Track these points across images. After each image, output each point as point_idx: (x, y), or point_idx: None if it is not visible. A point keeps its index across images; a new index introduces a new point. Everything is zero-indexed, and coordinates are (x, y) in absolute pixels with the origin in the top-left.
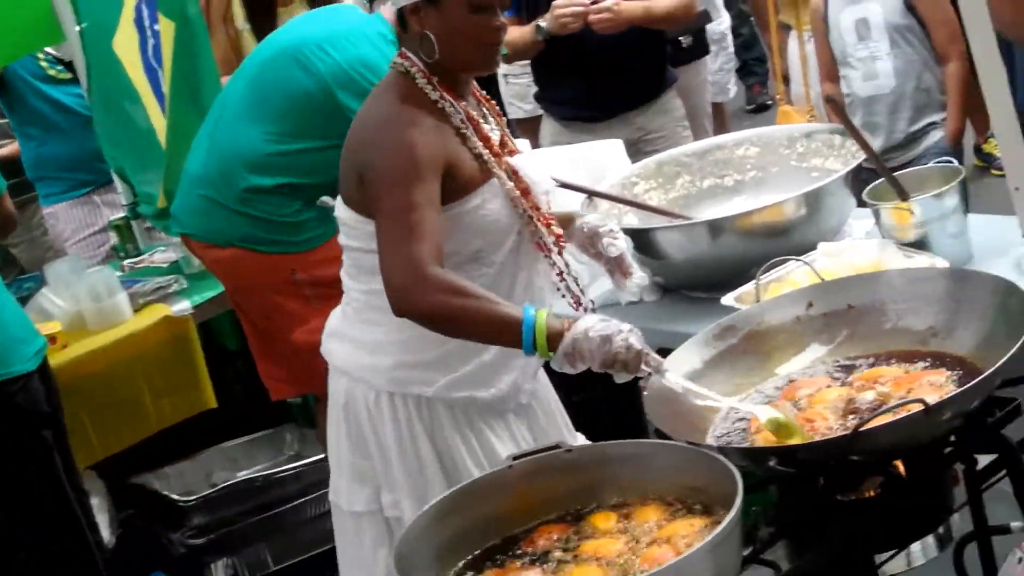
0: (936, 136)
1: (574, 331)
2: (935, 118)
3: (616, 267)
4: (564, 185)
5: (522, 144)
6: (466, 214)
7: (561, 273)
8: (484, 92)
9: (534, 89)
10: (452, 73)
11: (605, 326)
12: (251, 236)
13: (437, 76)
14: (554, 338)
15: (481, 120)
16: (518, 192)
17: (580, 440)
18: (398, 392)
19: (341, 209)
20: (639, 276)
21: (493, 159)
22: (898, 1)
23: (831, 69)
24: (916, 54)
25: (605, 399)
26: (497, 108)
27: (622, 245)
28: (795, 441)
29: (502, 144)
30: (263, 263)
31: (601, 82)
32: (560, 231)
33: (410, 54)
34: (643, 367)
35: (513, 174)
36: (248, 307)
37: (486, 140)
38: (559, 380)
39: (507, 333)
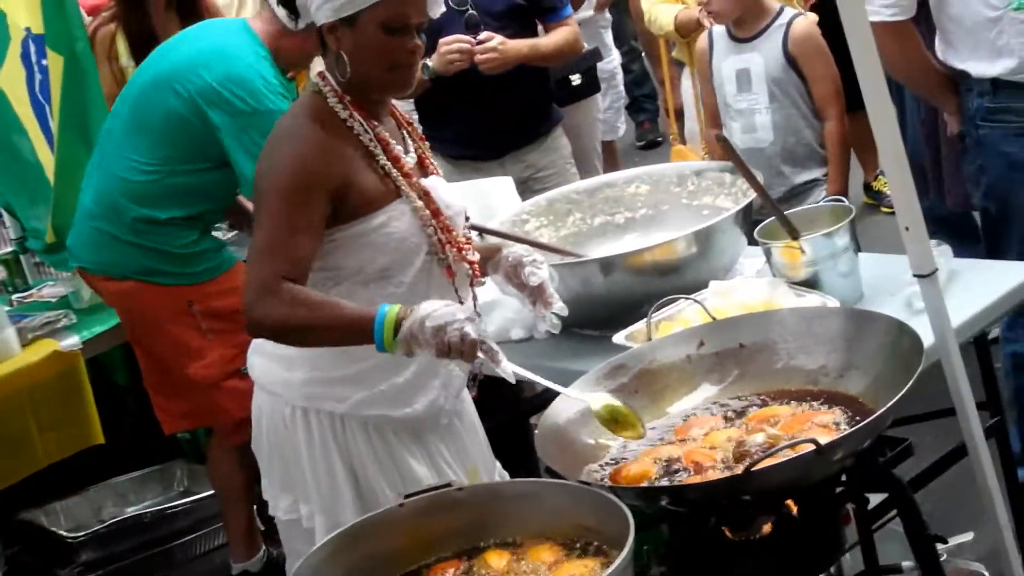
0: (820, 193)
1: (411, 317)
2: (817, 174)
3: (537, 296)
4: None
5: None
6: (371, 231)
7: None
8: (407, 116)
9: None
10: (366, 93)
11: (441, 314)
12: (146, 268)
13: (351, 96)
14: (397, 327)
15: (394, 141)
16: (428, 212)
17: (498, 468)
18: (311, 408)
19: None
20: (560, 306)
21: (402, 179)
22: (779, 54)
23: (715, 114)
24: (796, 109)
25: (502, 435)
26: (419, 132)
27: (544, 274)
28: (630, 434)
29: (421, 165)
30: (160, 295)
31: (488, 121)
32: (474, 258)
33: (327, 73)
34: (479, 355)
35: (424, 195)
36: (146, 340)
37: (395, 160)
38: None
39: (357, 333)
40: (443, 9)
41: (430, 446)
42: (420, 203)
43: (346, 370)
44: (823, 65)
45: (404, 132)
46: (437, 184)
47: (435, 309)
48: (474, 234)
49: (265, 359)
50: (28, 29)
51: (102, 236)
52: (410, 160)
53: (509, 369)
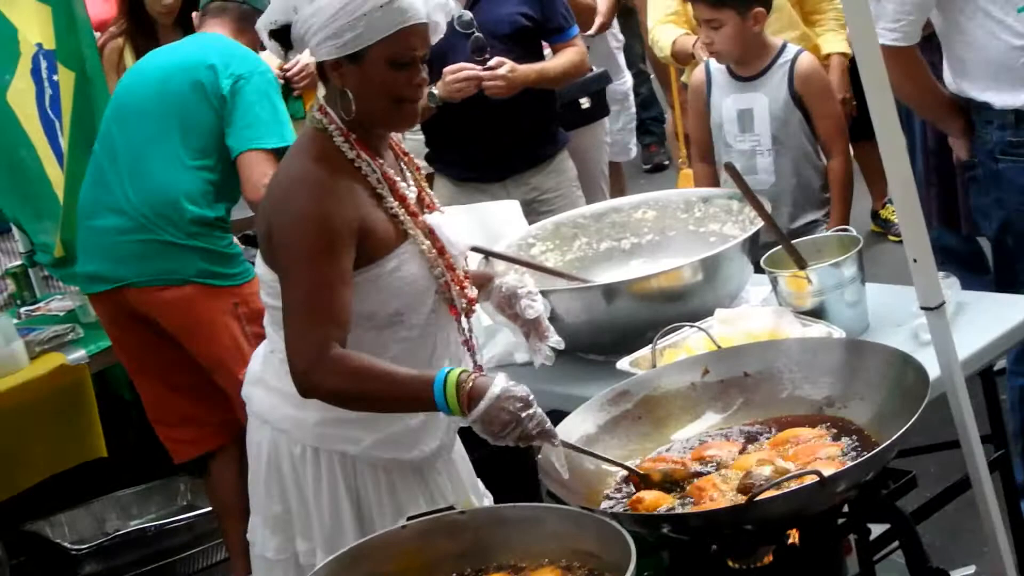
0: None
1: (481, 406)
2: (817, 215)
3: (533, 329)
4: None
5: None
6: (383, 276)
7: (467, 341)
8: (402, 146)
9: None
10: (370, 129)
11: (518, 407)
12: (204, 270)
13: (355, 133)
14: (462, 395)
15: (398, 178)
16: (435, 252)
17: (487, 499)
18: (323, 448)
19: (260, 266)
20: (555, 340)
21: (409, 219)
22: (785, 93)
23: (705, 149)
24: (799, 149)
25: (501, 458)
26: (416, 163)
27: (540, 308)
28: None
29: (420, 200)
30: (215, 297)
31: (493, 143)
32: (473, 294)
33: (329, 109)
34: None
35: (429, 233)
36: (200, 346)
37: (402, 200)
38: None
39: (417, 404)
40: (443, 34)
41: (431, 483)
42: (427, 243)
43: (359, 412)
44: (829, 102)
45: (401, 164)
46: (440, 222)
47: (499, 404)
48: (474, 263)
49: (271, 394)
50: (40, 45)
51: (152, 246)
52: (411, 195)
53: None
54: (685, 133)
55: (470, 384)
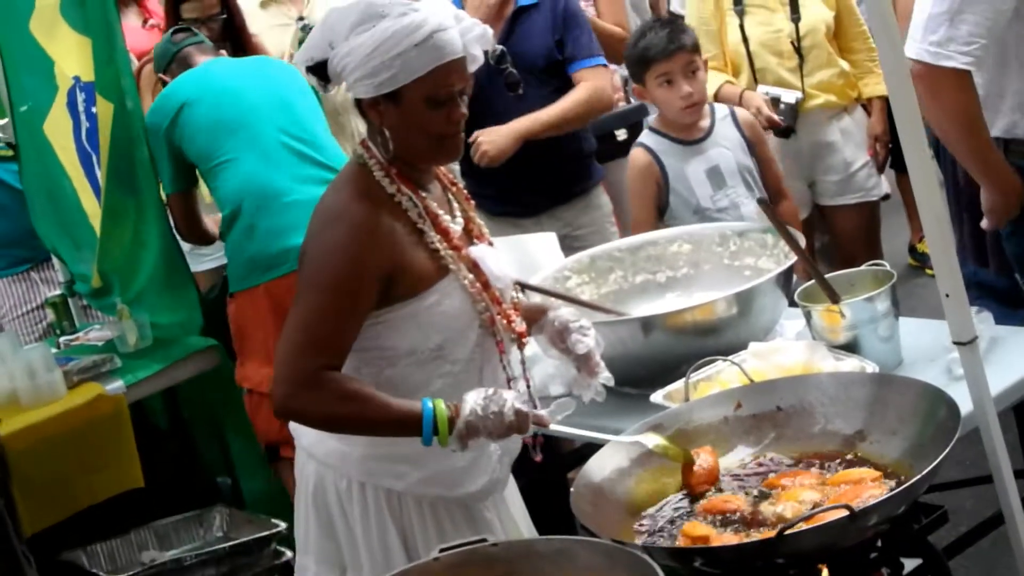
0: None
1: (463, 413)
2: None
3: (583, 365)
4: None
5: None
6: (422, 311)
7: (511, 377)
8: (451, 175)
9: None
10: (412, 164)
11: (489, 400)
12: None
13: (397, 167)
14: (449, 422)
15: (442, 211)
16: (479, 286)
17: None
18: (369, 483)
19: None
20: (605, 376)
21: (452, 252)
22: (740, 141)
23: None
24: (761, 193)
25: (540, 490)
26: (466, 192)
27: (591, 343)
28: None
29: (468, 231)
30: None
31: (528, 179)
32: (522, 328)
33: (371, 144)
34: (532, 426)
35: (473, 266)
36: None
37: (444, 233)
38: None
39: (403, 429)
40: (480, 62)
41: (479, 521)
42: (471, 277)
43: (405, 448)
44: (770, 148)
45: (449, 195)
46: (485, 254)
47: (479, 398)
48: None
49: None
50: (77, 78)
51: None
52: (456, 227)
53: (559, 428)
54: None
55: (454, 408)
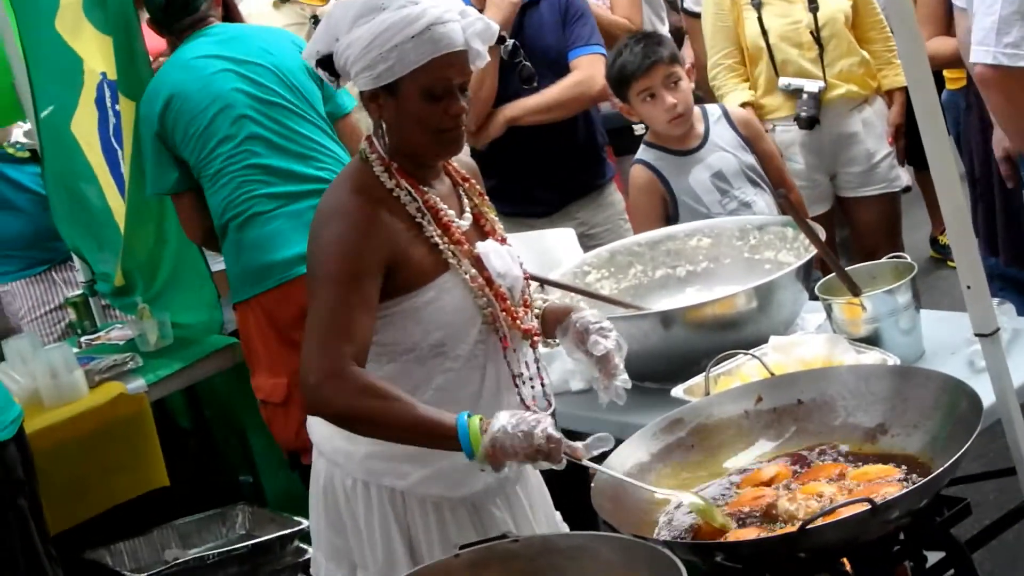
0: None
1: (491, 432)
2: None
3: (602, 366)
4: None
5: None
6: (422, 307)
7: (515, 377)
8: (464, 172)
9: None
10: (414, 159)
11: (520, 420)
12: None
13: (398, 162)
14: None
15: (445, 206)
16: (481, 281)
17: (559, 522)
18: (372, 482)
19: None
20: (623, 379)
21: (453, 247)
22: (737, 141)
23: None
24: (768, 186)
25: (555, 484)
26: (479, 188)
27: (610, 344)
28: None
29: (479, 226)
30: None
31: (540, 179)
32: (531, 325)
33: (374, 139)
34: (563, 455)
35: (477, 262)
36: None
37: (445, 228)
38: None
39: (433, 437)
40: (486, 60)
41: (486, 519)
42: (473, 272)
43: (407, 447)
44: (768, 142)
45: (460, 191)
46: (490, 250)
47: (509, 417)
48: (539, 291)
49: (326, 425)
50: (104, 74)
51: None
52: (464, 223)
53: (591, 465)
54: None
55: (485, 424)
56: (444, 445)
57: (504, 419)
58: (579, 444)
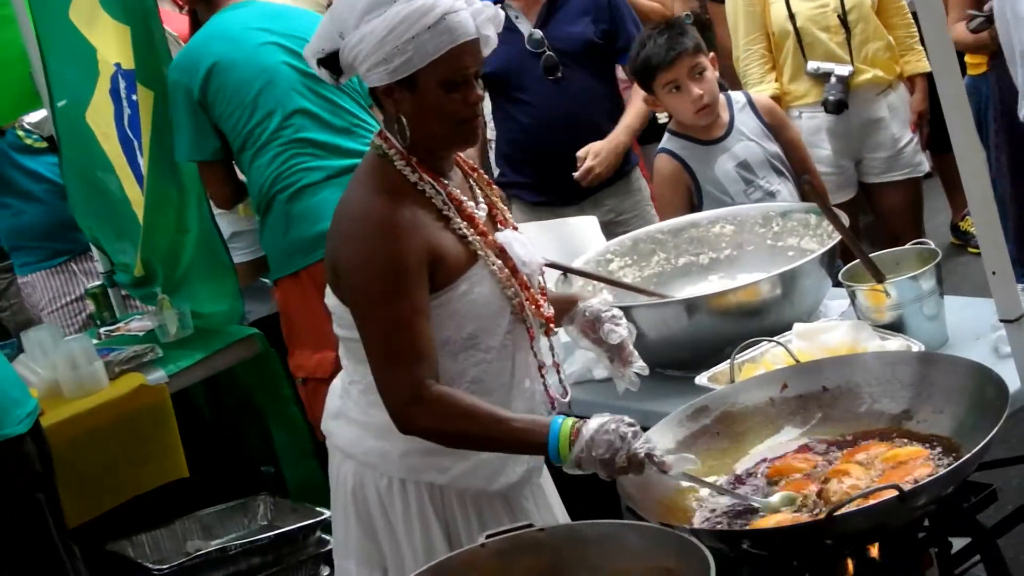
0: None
1: (580, 441)
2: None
3: (616, 355)
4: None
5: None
6: (455, 300)
7: (541, 367)
8: (473, 162)
9: None
10: (431, 151)
11: (609, 440)
12: None
13: (417, 156)
14: (570, 442)
15: (465, 197)
16: (507, 271)
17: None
18: (410, 479)
19: (331, 298)
20: (640, 365)
21: (479, 239)
22: (761, 130)
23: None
24: (791, 175)
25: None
26: (487, 177)
27: (624, 332)
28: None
29: (491, 216)
30: None
31: (566, 166)
32: (550, 313)
33: (388, 134)
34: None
35: (500, 252)
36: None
37: (470, 220)
38: None
39: (525, 447)
40: (494, 46)
41: (517, 510)
42: (499, 263)
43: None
44: (792, 130)
45: (471, 182)
46: (511, 239)
47: (601, 431)
48: (551, 279)
49: (353, 427)
50: (118, 65)
51: None
52: (481, 213)
53: (677, 472)
54: None
55: (576, 427)
56: (537, 451)
57: (592, 430)
58: (667, 459)
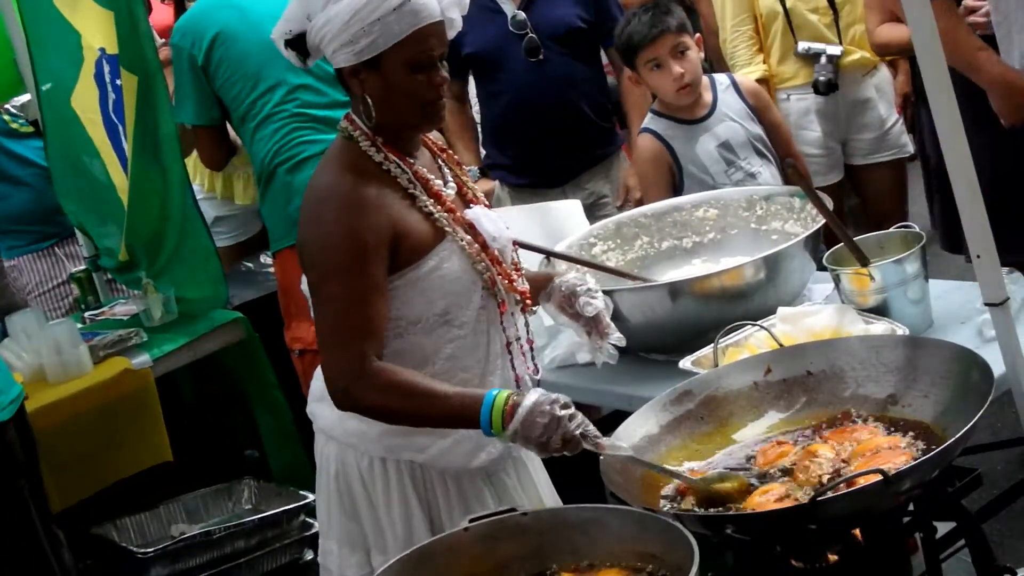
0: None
1: (515, 420)
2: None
3: (593, 327)
4: (522, 245)
5: (484, 185)
6: (424, 277)
7: (509, 344)
8: (442, 143)
9: None
10: (397, 132)
11: (543, 422)
12: None
13: (383, 136)
14: (504, 416)
15: (432, 176)
16: (477, 246)
17: (557, 501)
18: (390, 458)
19: (304, 282)
20: (616, 337)
21: (446, 215)
22: (745, 111)
23: None
24: (774, 153)
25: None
26: (455, 157)
27: (600, 304)
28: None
29: (461, 195)
30: None
31: (548, 148)
32: (525, 287)
33: (355, 116)
34: (584, 446)
35: (470, 228)
36: None
37: (437, 197)
38: None
39: (460, 422)
40: (459, 29)
41: (499, 488)
42: (468, 238)
43: None
44: (775, 112)
45: (440, 162)
46: (480, 215)
47: (535, 413)
48: (535, 263)
49: (335, 409)
50: (102, 49)
51: None
52: (450, 191)
53: (614, 451)
54: None
55: (511, 402)
56: (471, 427)
57: (527, 408)
58: (602, 441)
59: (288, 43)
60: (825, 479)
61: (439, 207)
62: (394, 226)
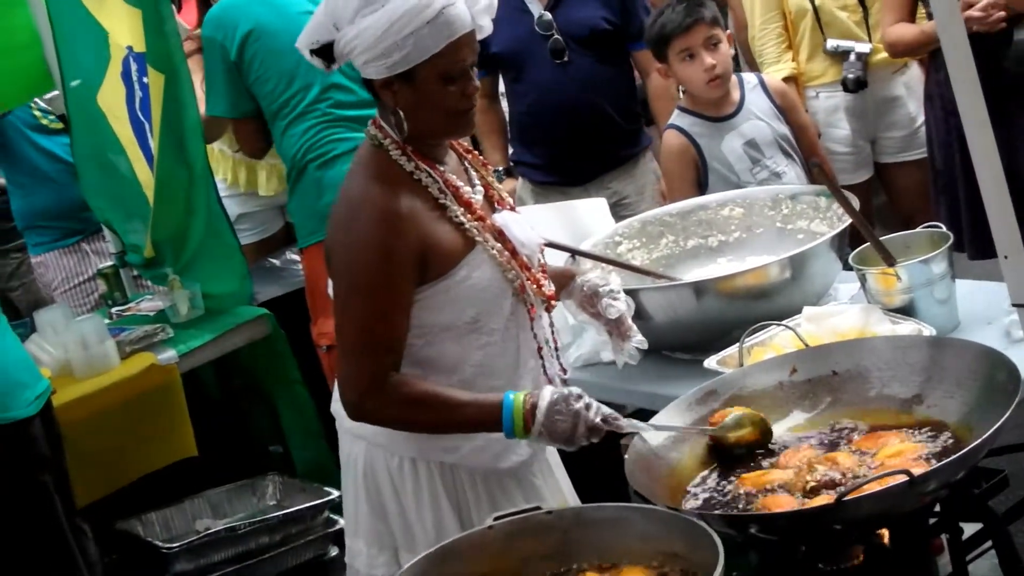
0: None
1: (537, 420)
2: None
3: (615, 329)
4: (551, 245)
5: (506, 185)
6: (455, 286)
7: (540, 348)
8: (467, 143)
9: None
10: (427, 140)
11: (564, 419)
12: None
13: (412, 144)
14: (526, 419)
15: (461, 182)
16: (507, 254)
17: (576, 501)
18: (420, 458)
19: (331, 287)
20: (638, 339)
21: (476, 223)
22: (772, 111)
23: None
24: (800, 154)
25: (588, 458)
26: (481, 159)
27: (622, 306)
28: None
29: (488, 197)
30: None
31: (574, 147)
32: (551, 290)
33: (384, 124)
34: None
35: (499, 235)
36: None
37: (467, 205)
38: None
39: (481, 428)
40: (489, 32)
41: (528, 489)
42: (498, 246)
43: None
44: (802, 113)
45: (466, 164)
46: (509, 221)
47: (553, 413)
48: (560, 262)
49: None
50: (130, 48)
51: None
52: (477, 196)
53: (633, 428)
54: None
55: (528, 404)
56: (494, 431)
57: (545, 408)
58: (621, 422)
59: (313, 51)
60: (810, 487)
61: (469, 216)
62: (424, 240)
